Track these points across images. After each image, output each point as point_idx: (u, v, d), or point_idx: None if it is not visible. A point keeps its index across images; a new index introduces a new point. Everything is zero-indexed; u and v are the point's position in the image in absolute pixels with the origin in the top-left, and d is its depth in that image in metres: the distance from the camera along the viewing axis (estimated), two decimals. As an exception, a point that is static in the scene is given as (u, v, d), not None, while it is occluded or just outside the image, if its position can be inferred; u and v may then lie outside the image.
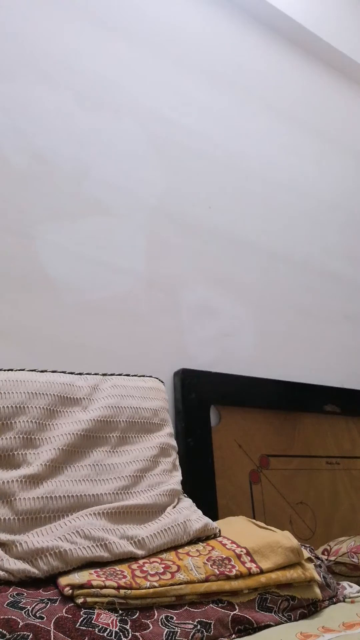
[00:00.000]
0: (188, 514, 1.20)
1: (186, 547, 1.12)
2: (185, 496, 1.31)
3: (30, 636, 0.79)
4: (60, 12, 1.78)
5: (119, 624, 0.86)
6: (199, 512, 1.24)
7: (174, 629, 0.89)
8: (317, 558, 1.23)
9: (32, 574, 0.96)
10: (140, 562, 1.04)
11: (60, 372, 1.32)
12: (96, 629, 0.84)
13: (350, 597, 1.16)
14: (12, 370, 1.25)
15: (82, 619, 0.85)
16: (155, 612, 0.92)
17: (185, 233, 1.90)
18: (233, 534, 1.18)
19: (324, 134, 2.50)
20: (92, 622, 0.85)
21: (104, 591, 0.91)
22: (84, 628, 0.83)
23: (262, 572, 1.05)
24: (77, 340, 1.56)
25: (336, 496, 1.94)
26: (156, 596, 0.94)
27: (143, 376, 1.47)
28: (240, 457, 1.76)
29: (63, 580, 0.94)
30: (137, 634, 0.86)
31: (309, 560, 1.15)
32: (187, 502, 1.27)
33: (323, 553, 1.52)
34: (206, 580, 0.99)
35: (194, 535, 1.15)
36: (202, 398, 1.72)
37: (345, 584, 1.24)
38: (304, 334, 2.16)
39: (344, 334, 2.31)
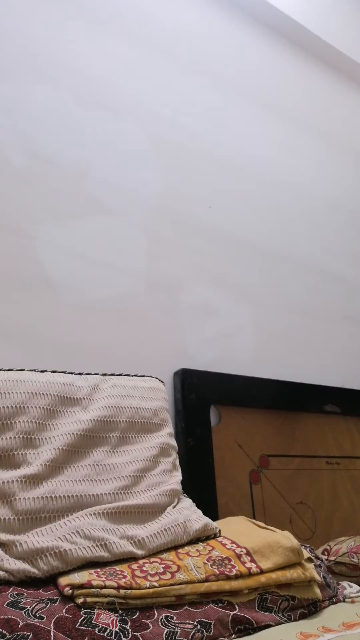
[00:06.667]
0: (188, 514, 1.20)
1: (186, 547, 1.12)
2: (185, 496, 1.31)
3: (30, 636, 0.79)
4: (60, 12, 1.77)
5: (119, 624, 0.86)
6: (199, 512, 1.24)
7: (174, 629, 0.89)
8: (317, 558, 1.23)
9: (32, 574, 0.96)
10: (140, 562, 1.04)
11: (60, 372, 1.32)
12: (96, 629, 0.84)
13: (350, 597, 1.16)
14: (12, 370, 1.25)
15: (82, 619, 0.85)
16: (155, 612, 0.92)
17: (185, 233, 1.90)
18: (233, 534, 1.18)
19: (324, 134, 2.49)
20: (92, 622, 0.85)
21: (104, 591, 0.91)
22: (84, 628, 0.83)
23: (262, 572, 1.05)
24: (77, 340, 1.56)
25: (336, 496, 1.94)
26: (156, 596, 0.94)
27: (143, 376, 1.46)
28: (240, 457, 1.76)
29: (63, 580, 0.94)
30: (137, 634, 0.86)
31: (309, 560, 1.15)
32: (187, 502, 1.27)
33: (323, 553, 1.52)
34: (206, 580, 0.99)
35: (194, 535, 1.15)
36: (202, 398, 1.72)
37: (345, 584, 1.24)
38: (304, 334, 2.16)
39: (344, 334, 2.31)
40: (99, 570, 0.99)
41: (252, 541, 1.12)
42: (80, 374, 1.34)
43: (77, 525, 1.05)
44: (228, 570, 1.02)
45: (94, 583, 0.92)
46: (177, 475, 1.32)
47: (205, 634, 0.91)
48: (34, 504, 1.06)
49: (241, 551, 1.09)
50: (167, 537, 1.11)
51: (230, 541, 1.14)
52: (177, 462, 1.36)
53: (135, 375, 1.45)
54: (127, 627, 0.86)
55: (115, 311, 1.66)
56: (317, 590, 1.10)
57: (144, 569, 1.01)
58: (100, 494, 1.14)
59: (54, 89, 1.71)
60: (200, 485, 1.59)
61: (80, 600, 0.89)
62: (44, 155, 1.64)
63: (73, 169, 1.69)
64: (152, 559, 1.05)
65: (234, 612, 0.97)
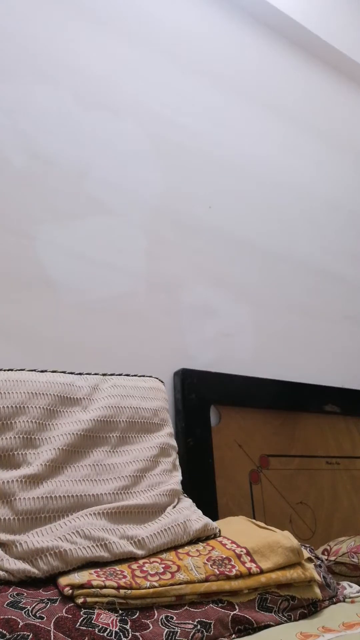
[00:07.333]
0: (188, 514, 1.20)
1: (186, 547, 1.12)
2: (185, 496, 1.31)
3: (30, 636, 0.79)
4: (60, 12, 1.77)
5: (119, 624, 0.86)
6: (199, 512, 1.24)
7: (174, 629, 0.89)
8: (317, 558, 1.23)
9: (32, 574, 0.96)
10: (140, 562, 1.04)
11: (60, 372, 1.32)
12: (96, 629, 0.84)
13: (350, 597, 1.16)
14: (12, 370, 1.25)
15: (82, 619, 0.85)
16: (155, 612, 0.92)
17: (185, 233, 1.90)
18: (233, 534, 1.18)
19: (324, 134, 2.50)
20: (92, 622, 0.85)
21: (104, 591, 0.91)
22: (84, 628, 0.83)
23: (262, 572, 1.05)
24: (77, 340, 1.56)
25: (336, 496, 1.94)
26: (156, 596, 0.94)
27: (143, 376, 1.46)
28: (240, 457, 1.76)
29: (63, 580, 0.94)
30: (137, 634, 0.86)
31: (309, 560, 1.15)
32: (187, 502, 1.27)
33: (323, 553, 1.52)
34: (206, 580, 0.99)
35: (194, 535, 1.15)
36: (202, 398, 1.72)
37: (345, 584, 1.24)
38: (304, 334, 2.16)
39: (344, 334, 2.31)
40: (99, 570, 0.99)
41: (252, 541, 1.12)
42: (80, 374, 1.34)
43: (77, 525, 1.05)
44: (228, 570, 1.02)
45: (94, 583, 0.92)
46: (177, 475, 1.32)
47: (205, 634, 0.91)
48: (34, 504, 1.06)
49: (241, 551, 1.09)
50: (167, 537, 1.11)
51: (230, 541, 1.14)
52: (177, 462, 1.36)
53: (135, 375, 1.45)
54: (127, 627, 0.86)
55: (115, 311, 1.66)
56: (317, 590, 1.10)
57: (144, 569, 1.01)
58: (100, 494, 1.14)
59: (54, 89, 1.71)
60: (200, 485, 1.59)
61: (80, 600, 0.89)
62: (44, 155, 1.64)
63: (73, 169, 1.69)
64: (152, 559, 1.05)
65: (234, 612, 0.97)
